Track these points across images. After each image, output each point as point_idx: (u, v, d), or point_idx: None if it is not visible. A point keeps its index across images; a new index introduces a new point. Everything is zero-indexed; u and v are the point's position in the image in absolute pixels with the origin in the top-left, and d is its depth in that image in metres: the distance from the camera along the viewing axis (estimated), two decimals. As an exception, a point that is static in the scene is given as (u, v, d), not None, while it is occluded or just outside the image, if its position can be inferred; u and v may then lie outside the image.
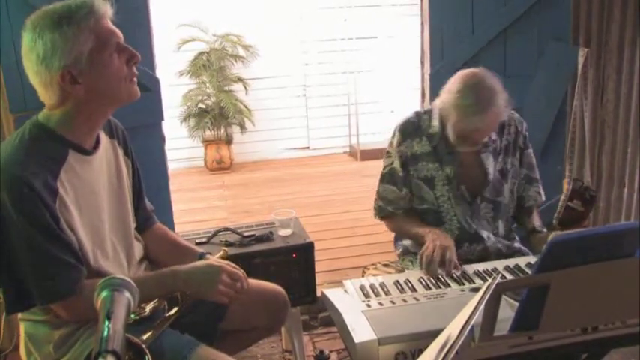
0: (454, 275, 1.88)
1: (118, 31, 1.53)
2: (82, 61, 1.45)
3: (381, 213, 2.29)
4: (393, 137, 2.23)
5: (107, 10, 1.51)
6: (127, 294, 1.00)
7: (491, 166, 2.15)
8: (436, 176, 2.15)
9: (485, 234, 2.16)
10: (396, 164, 2.19)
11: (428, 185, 2.16)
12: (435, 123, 2.14)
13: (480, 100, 1.94)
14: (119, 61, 1.52)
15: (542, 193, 2.29)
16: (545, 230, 2.14)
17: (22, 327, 1.64)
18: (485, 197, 2.17)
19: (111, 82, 1.51)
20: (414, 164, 2.17)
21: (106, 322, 0.91)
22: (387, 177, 2.23)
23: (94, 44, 1.46)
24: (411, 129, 2.19)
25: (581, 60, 3.01)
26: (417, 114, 2.23)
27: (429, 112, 2.19)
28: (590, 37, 3.10)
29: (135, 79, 1.57)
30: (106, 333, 0.89)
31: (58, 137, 1.52)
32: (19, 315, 1.61)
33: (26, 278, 1.46)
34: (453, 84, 2.02)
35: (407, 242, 2.32)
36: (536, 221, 2.20)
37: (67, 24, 1.44)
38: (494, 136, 2.16)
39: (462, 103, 1.96)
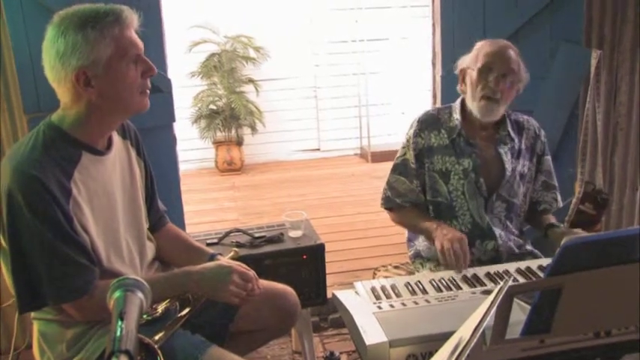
0: (466, 277, 1.87)
1: (140, 42, 1.55)
2: (99, 66, 1.47)
3: (388, 204, 2.28)
4: (410, 128, 2.23)
5: (134, 21, 1.54)
6: (140, 294, 1.01)
7: (508, 162, 2.15)
8: (452, 170, 2.15)
9: (497, 231, 2.15)
10: (409, 155, 2.20)
11: (443, 179, 2.16)
12: (456, 116, 2.16)
13: (496, 40, 2.14)
14: (135, 72, 1.54)
15: (560, 200, 2.29)
16: (562, 225, 2.13)
17: (35, 326, 1.65)
18: (500, 195, 2.16)
19: (123, 91, 1.53)
20: (429, 156, 2.17)
21: (119, 323, 0.92)
22: (400, 167, 2.23)
23: (113, 52, 1.48)
24: (430, 120, 2.20)
25: (593, 62, 3.00)
26: (438, 108, 2.27)
27: (449, 107, 2.22)
28: (603, 39, 3.08)
29: (147, 92, 1.59)
30: (119, 333, 0.90)
31: (71, 138, 1.54)
32: (32, 314, 1.62)
33: (39, 278, 1.47)
34: None
35: (420, 246, 2.31)
36: (552, 218, 2.20)
37: (91, 27, 1.46)
38: (512, 134, 2.18)
39: (480, 43, 2.13)
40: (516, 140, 2.19)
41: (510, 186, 2.16)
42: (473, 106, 2.11)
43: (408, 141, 2.22)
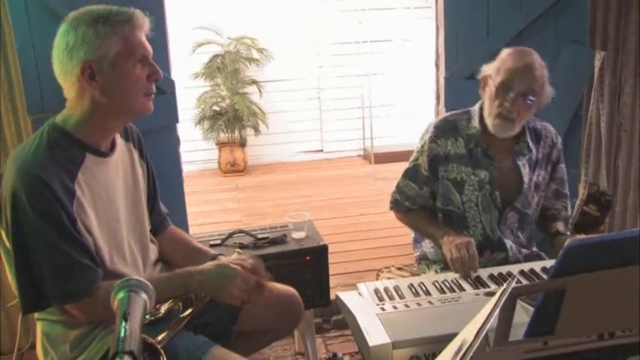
0: (469, 279, 1.87)
1: (148, 46, 1.57)
2: (105, 62, 1.49)
3: (397, 207, 2.26)
4: (426, 133, 2.17)
5: (145, 24, 1.56)
6: (144, 295, 1.01)
7: (526, 175, 2.12)
8: (467, 180, 2.11)
9: (508, 244, 2.13)
10: (422, 160, 2.15)
11: (456, 188, 2.12)
12: (475, 123, 2.11)
13: (522, 52, 2.02)
14: (140, 73, 1.55)
15: (570, 209, 2.25)
16: (568, 233, 2.11)
17: (39, 326, 1.66)
18: (515, 207, 2.13)
19: (126, 89, 1.54)
20: (444, 164, 2.12)
21: (123, 323, 0.92)
22: (411, 172, 2.20)
23: (121, 49, 1.50)
24: (447, 127, 2.14)
25: (597, 63, 2.99)
26: (454, 114, 2.19)
27: (467, 113, 2.16)
28: (607, 40, 3.07)
29: (152, 96, 1.60)
30: (123, 334, 0.90)
31: (75, 140, 1.54)
32: (36, 314, 1.63)
33: (42, 279, 1.48)
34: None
35: (426, 248, 2.30)
36: (560, 226, 2.16)
37: (102, 23, 1.49)
38: (531, 145, 2.13)
39: (506, 53, 2.03)
40: (534, 150, 2.14)
41: (525, 197, 2.13)
42: (488, 120, 2.06)
43: (422, 146, 2.16)
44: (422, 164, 2.16)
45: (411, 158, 2.22)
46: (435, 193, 2.18)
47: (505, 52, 2.04)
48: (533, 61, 2.00)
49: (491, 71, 2.04)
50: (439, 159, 2.13)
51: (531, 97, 1.98)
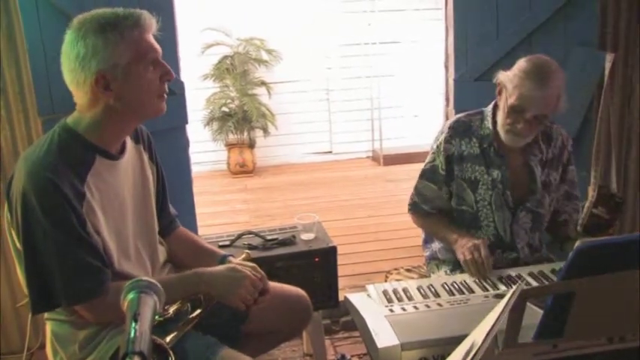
0: (476, 281, 1.87)
1: (158, 46, 1.56)
2: (118, 70, 1.48)
3: (416, 209, 2.25)
4: (441, 133, 2.18)
5: (152, 25, 1.54)
6: (154, 296, 1.01)
7: (539, 176, 2.12)
8: (480, 179, 2.11)
9: (520, 245, 2.14)
10: (439, 161, 2.15)
11: (470, 187, 2.13)
12: (488, 124, 2.12)
13: (540, 75, 1.94)
14: (153, 76, 1.54)
15: (580, 211, 2.24)
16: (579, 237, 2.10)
17: (48, 326, 1.66)
18: (527, 207, 2.13)
19: (141, 95, 1.54)
20: (459, 163, 2.13)
21: (133, 324, 0.93)
22: (428, 173, 2.20)
23: (133, 56, 1.49)
24: (461, 128, 2.15)
25: (608, 65, 2.97)
26: (468, 115, 2.20)
27: (480, 113, 2.17)
28: (617, 42, 3.06)
29: (165, 96, 1.60)
30: (132, 334, 0.91)
31: (86, 142, 1.54)
32: (45, 314, 1.63)
33: (52, 279, 1.48)
34: (520, 61, 2.02)
35: (436, 247, 2.30)
36: (571, 232, 2.15)
37: (110, 31, 1.47)
38: (542, 146, 2.14)
39: (523, 70, 1.96)
40: (545, 151, 2.15)
41: (536, 198, 2.14)
42: (500, 130, 2.06)
43: (438, 147, 2.16)
44: (439, 165, 2.16)
45: (427, 159, 2.22)
46: (451, 193, 2.18)
47: (523, 69, 1.97)
48: (550, 87, 1.94)
49: (507, 83, 1.99)
50: (454, 159, 2.14)
51: (543, 118, 1.98)
